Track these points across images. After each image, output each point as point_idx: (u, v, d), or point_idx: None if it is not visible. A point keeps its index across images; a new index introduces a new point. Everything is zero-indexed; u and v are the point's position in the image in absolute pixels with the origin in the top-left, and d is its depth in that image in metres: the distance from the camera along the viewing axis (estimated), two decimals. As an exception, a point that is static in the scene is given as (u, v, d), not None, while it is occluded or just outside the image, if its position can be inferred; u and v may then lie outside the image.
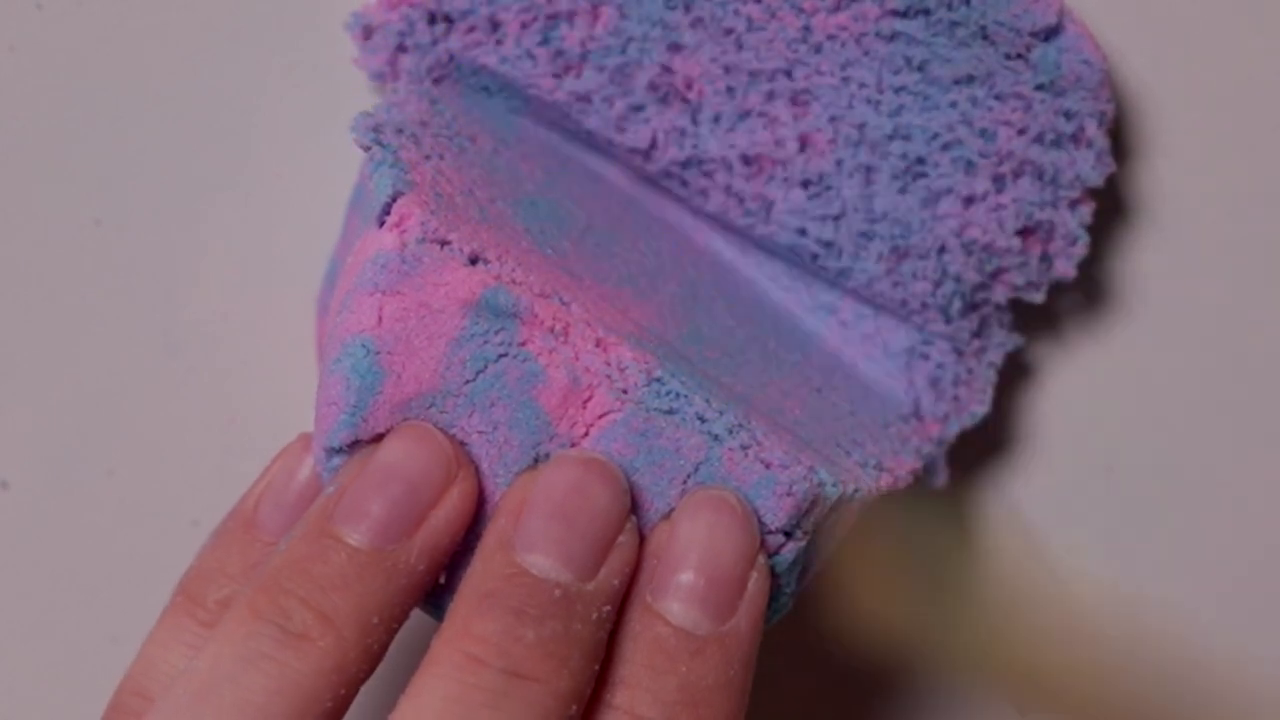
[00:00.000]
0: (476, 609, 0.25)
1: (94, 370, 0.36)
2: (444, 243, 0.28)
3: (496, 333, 0.27)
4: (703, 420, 0.28)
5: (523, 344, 0.27)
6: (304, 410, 0.29)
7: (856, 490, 0.29)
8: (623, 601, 0.27)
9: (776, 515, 0.28)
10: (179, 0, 0.35)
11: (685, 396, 0.28)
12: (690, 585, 0.26)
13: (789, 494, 0.27)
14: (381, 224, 0.28)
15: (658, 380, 0.28)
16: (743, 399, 0.30)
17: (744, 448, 0.28)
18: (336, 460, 0.28)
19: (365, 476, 0.26)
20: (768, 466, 0.28)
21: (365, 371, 0.27)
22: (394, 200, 0.28)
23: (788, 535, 0.28)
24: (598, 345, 0.28)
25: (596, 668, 0.26)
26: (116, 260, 0.36)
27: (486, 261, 0.28)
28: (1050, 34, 0.32)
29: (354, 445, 0.27)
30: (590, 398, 0.27)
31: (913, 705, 0.38)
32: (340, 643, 0.25)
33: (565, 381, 0.27)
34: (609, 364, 0.28)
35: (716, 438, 0.28)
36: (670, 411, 0.28)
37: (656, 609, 0.26)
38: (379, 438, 0.27)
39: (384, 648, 0.26)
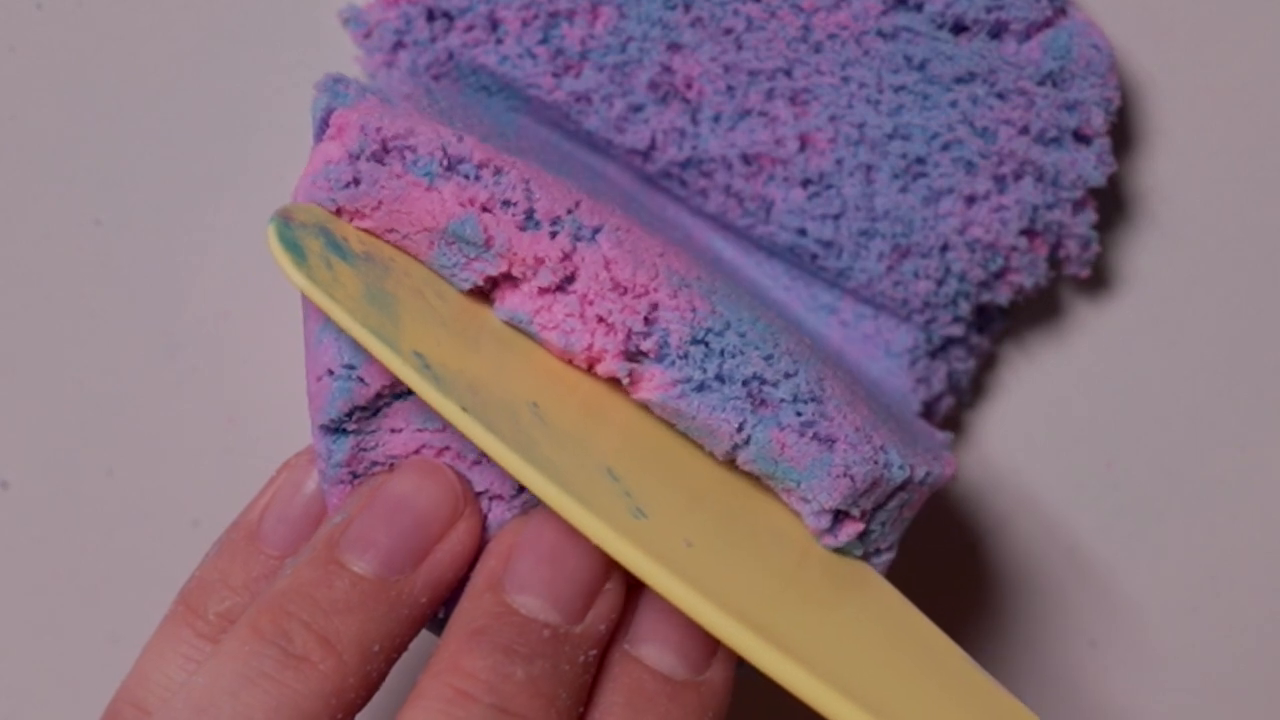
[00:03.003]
0: (466, 645, 0.25)
1: (94, 370, 0.36)
2: (408, 149, 0.26)
3: (470, 260, 0.26)
4: (761, 382, 0.26)
5: (508, 272, 0.26)
6: (304, 410, 0.29)
7: (929, 474, 0.28)
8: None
9: (831, 495, 0.27)
10: (179, 0, 0.35)
11: (741, 355, 0.26)
12: (665, 633, 0.27)
13: (845, 475, 0.27)
14: (320, 140, 0.27)
15: (710, 331, 0.26)
16: (821, 358, 0.28)
17: (806, 424, 0.26)
18: (337, 446, 0.27)
19: (374, 506, 0.27)
20: (830, 445, 0.27)
21: None
22: (329, 115, 0.27)
23: (843, 515, 0.27)
24: (616, 289, 0.26)
25: (581, 710, 0.26)
26: (116, 260, 0.36)
27: (467, 168, 0.26)
28: (1061, 9, 0.32)
29: (353, 415, 0.27)
30: (598, 361, 0.26)
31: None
32: (341, 667, 0.25)
33: (558, 348, 0.26)
34: (635, 312, 0.26)
35: (774, 410, 0.26)
36: (719, 379, 0.26)
37: (635, 654, 0.26)
38: (377, 398, 0.27)
39: (382, 677, 0.26)
